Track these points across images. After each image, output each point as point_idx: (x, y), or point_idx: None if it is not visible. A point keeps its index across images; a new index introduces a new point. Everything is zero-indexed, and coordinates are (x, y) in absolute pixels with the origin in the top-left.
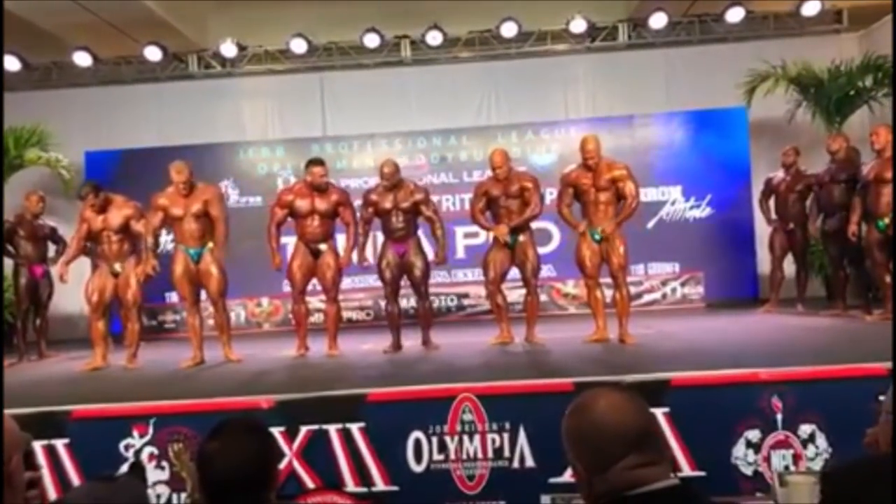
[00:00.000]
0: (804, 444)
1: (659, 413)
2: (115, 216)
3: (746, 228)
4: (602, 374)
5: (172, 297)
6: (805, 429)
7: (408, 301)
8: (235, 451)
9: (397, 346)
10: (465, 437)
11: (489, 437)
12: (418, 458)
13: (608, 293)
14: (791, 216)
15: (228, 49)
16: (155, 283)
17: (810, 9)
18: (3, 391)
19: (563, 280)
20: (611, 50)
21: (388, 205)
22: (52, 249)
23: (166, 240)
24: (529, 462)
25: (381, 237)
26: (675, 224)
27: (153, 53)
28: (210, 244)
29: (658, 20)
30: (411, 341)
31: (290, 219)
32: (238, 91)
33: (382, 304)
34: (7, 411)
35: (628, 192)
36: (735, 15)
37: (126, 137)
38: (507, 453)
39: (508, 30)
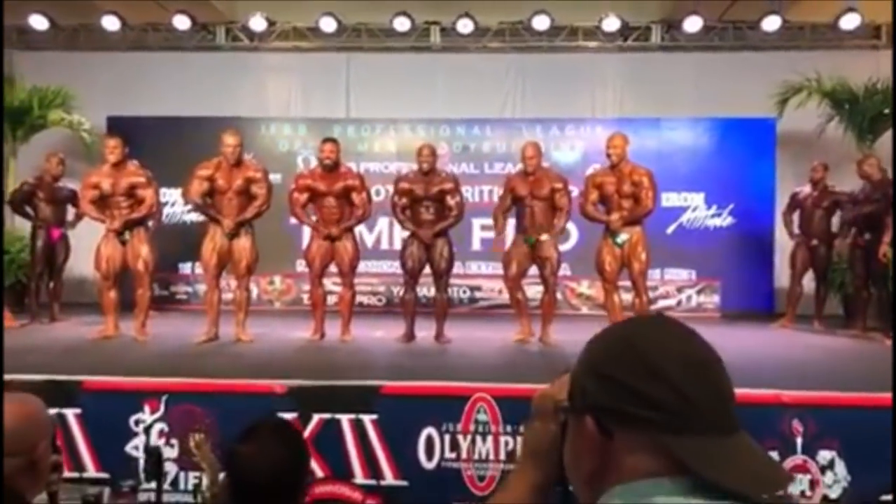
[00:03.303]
0: (822, 470)
1: None
2: (125, 180)
3: (767, 240)
4: None
5: (185, 267)
6: (825, 455)
7: (419, 291)
8: (268, 457)
9: (410, 335)
10: (479, 438)
11: (502, 439)
12: (429, 455)
13: (624, 297)
14: (815, 232)
15: (257, 23)
16: (167, 252)
17: (849, 22)
18: (3, 373)
19: (578, 280)
20: (642, 50)
21: (419, 192)
22: (70, 213)
23: (174, 211)
24: None
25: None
26: (695, 231)
27: (182, 22)
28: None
29: (693, 24)
30: (424, 332)
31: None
32: (263, 66)
33: (395, 290)
34: (21, 377)
35: (643, 197)
36: (771, 24)
37: (148, 104)
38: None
39: (540, 23)
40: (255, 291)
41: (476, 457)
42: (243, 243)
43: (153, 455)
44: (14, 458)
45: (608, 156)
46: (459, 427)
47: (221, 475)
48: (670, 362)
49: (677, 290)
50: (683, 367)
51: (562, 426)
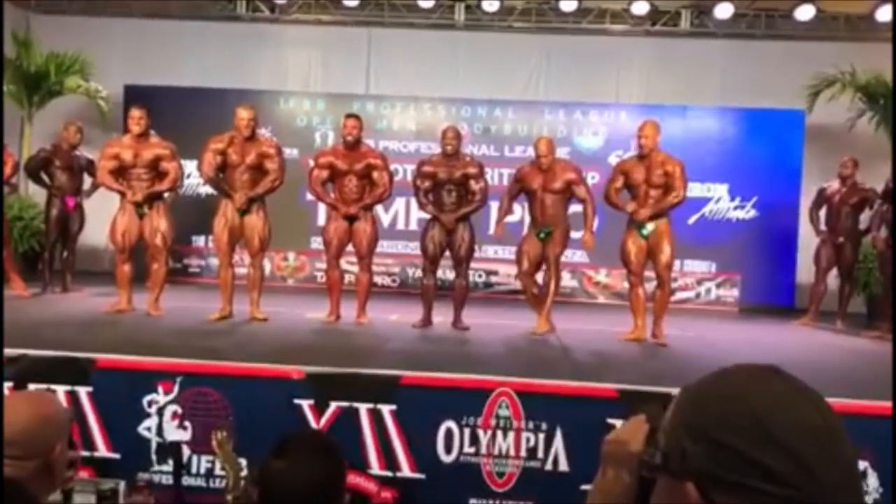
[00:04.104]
0: None
1: None
2: (148, 152)
3: (790, 235)
4: (645, 383)
5: (199, 240)
6: None
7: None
8: (303, 473)
9: (428, 321)
10: (499, 433)
11: (524, 435)
12: (448, 449)
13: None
14: (842, 229)
15: None
16: (181, 225)
17: (885, 14)
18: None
19: (596, 268)
20: (670, 36)
21: (443, 175)
22: (87, 182)
23: (189, 183)
24: (563, 466)
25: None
26: (717, 223)
27: None
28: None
29: (723, 10)
30: (440, 317)
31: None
32: (283, 38)
33: (410, 272)
34: (34, 352)
35: (676, 186)
36: (805, 13)
37: (166, 74)
38: (540, 454)
39: (568, 4)
40: (268, 267)
41: (496, 452)
42: (255, 220)
43: (173, 450)
44: (29, 461)
45: (639, 144)
46: (480, 421)
47: (243, 475)
48: (794, 430)
49: (697, 283)
50: (809, 437)
51: (640, 479)
